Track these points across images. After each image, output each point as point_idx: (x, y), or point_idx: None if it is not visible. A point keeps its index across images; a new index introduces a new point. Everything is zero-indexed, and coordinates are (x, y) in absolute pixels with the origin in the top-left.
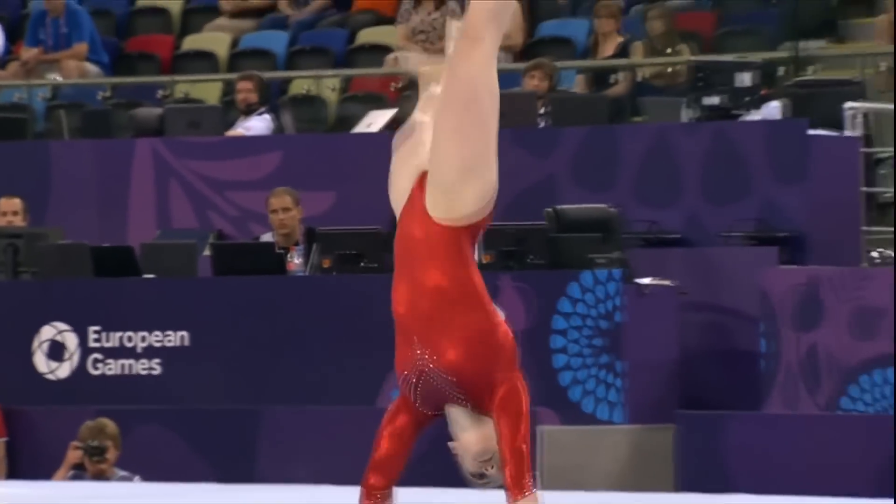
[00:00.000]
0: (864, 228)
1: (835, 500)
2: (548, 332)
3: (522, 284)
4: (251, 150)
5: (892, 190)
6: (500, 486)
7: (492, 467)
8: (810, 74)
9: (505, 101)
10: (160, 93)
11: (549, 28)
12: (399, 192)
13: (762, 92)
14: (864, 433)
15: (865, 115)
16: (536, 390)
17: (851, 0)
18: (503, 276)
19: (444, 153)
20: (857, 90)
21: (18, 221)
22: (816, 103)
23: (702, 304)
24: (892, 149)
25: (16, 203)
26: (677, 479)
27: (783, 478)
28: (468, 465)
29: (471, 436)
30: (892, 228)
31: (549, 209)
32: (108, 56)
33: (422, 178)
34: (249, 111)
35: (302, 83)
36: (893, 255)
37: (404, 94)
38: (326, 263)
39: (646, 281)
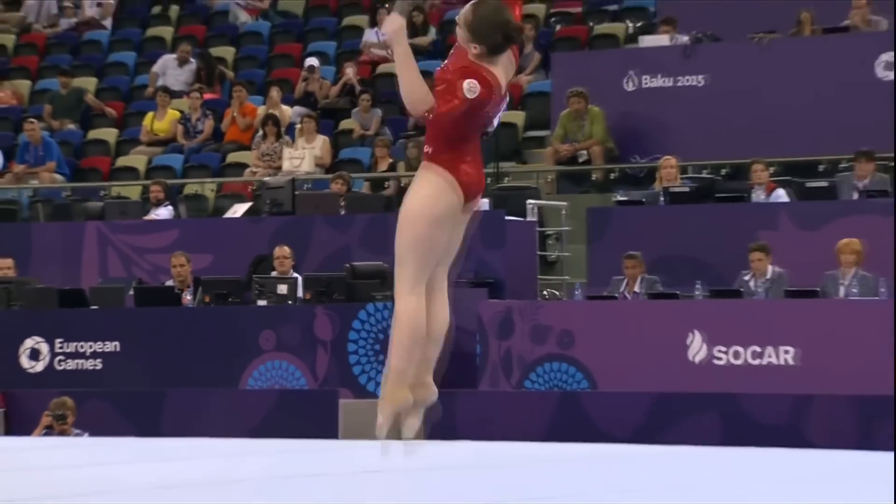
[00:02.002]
0: (539, 277)
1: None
2: (346, 341)
3: (331, 312)
4: (159, 229)
5: (556, 254)
6: None
7: None
8: (506, 183)
9: (319, 198)
10: (102, 193)
11: (346, 153)
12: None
13: None
14: (538, 402)
15: (539, 208)
16: (336, 378)
17: (529, 137)
18: (318, 307)
19: None
20: (533, 193)
21: (10, 274)
22: (510, 200)
23: None
24: (558, 229)
25: (9, 262)
26: (427, 430)
27: (493, 432)
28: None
29: None
30: (558, 278)
31: (347, 265)
32: (68, 169)
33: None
34: (158, 204)
35: (192, 187)
36: (559, 294)
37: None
38: (207, 299)
39: None
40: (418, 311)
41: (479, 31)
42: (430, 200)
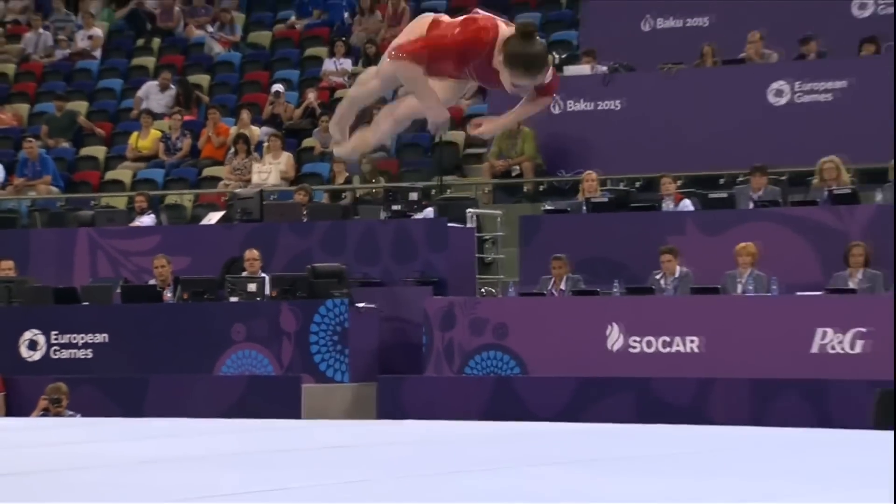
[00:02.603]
0: (477, 276)
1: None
2: (308, 333)
3: (294, 307)
4: (143, 234)
5: (493, 256)
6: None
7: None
8: (448, 194)
9: (284, 207)
10: (92, 203)
11: (308, 168)
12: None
13: (423, 203)
14: (477, 386)
15: (478, 216)
16: (299, 366)
17: (469, 154)
18: (283, 303)
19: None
20: (472, 203)
21: (11, 274)
22: (452, 209)
23: (392, 317)
24: (494, 234)
25: (10, 263)
26: (378, 411)
27: (438, 412)
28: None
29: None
30: (494, 277)
31: (309, 266)
32: (63, 182)
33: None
34: (142, 213)
35: (172, 197)
36: (495, 291)
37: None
38: (185, 296)
39: (360, 304)
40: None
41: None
42: None
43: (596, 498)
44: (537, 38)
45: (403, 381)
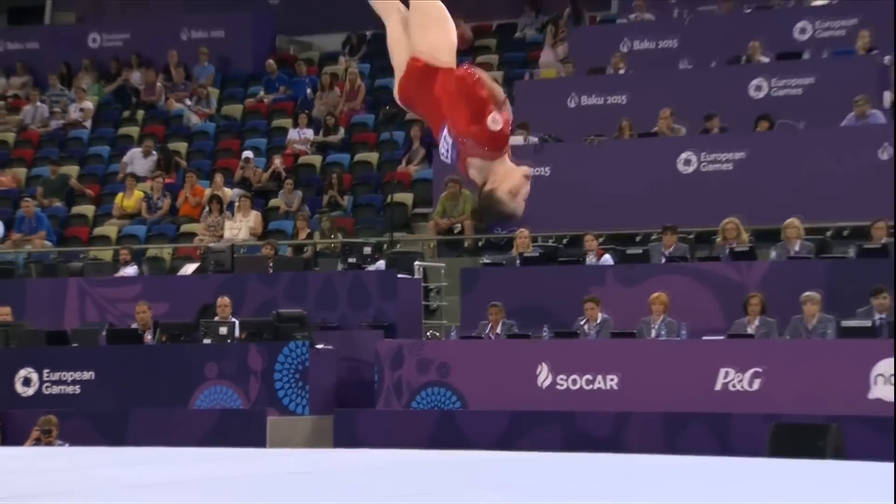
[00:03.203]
0: (423, 321)
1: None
2: (272, 371)
3: (261, 348)
4: (126, 283)
5: (437, 303)
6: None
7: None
8: (398, 248)
9: (252, 260)
10: (82, 256)
11: (274, 224)
12: (398, 62)
13: (375, 256)
14: (422, 419)
15: (424, 268)
16: (265, 400)
17: (417, 213)
18: (251, 345)
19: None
20: (419, 256)
21: (8, 319)
22: (400, 262)
23: (348, 357)
24: (438, 284)
25: (7, 309)
26: (335, 441)
27: (388, 441)
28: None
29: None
30: (438, 322)
31: (274, 312)
32: (55, 237)
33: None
34: (126, 265)
35: (153, 251)
36: (439, 334)
37: None
38: (164, 338)
39: (319, 346)
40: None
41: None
42: None
43: None
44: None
45: (357, 414)
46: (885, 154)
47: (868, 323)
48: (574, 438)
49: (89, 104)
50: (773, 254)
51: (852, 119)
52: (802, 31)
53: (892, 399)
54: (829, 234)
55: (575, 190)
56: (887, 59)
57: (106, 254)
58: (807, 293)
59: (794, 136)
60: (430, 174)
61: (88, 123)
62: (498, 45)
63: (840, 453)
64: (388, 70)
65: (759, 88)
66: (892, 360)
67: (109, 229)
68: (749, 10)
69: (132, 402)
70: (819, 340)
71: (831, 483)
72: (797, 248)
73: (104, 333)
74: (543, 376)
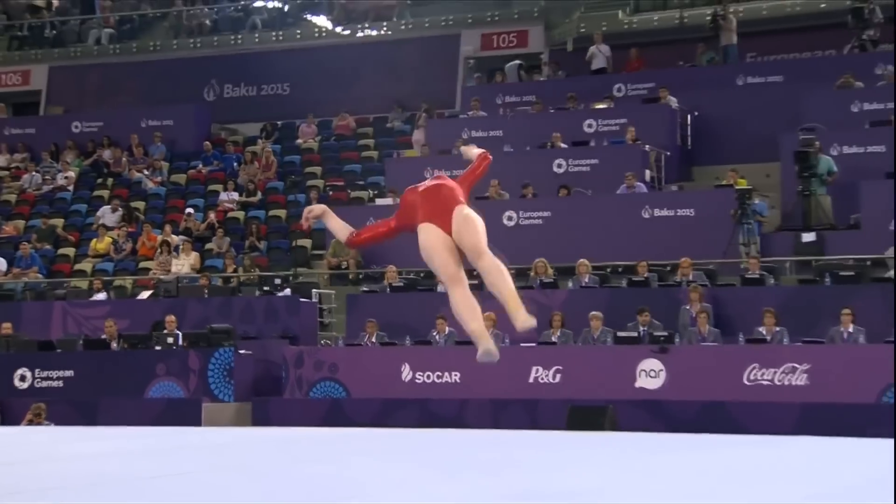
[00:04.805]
0: (319, 333)
1: (316, 428)
2: (206, 369)
3: (198, 353)
4: (98, 305)
5: (329, 320)
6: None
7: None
8: (300, 279)
9: (192, 288)
10: (65, 285)
11: (209, 262)
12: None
13: (283, 285)
14: (318, 405)
15: (319, 294)
16: (200, 391)
17: (314, 254)
18: (191, 350)
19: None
20: (316, 285)
21: (9, 331)
22: (302, 289)
23: (263, 359)
24: (330, 306)
25: (9, 324)
26: (253, 421)
27: (293, 422)
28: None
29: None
30: (329, 334)
31: (208, 326)
32: (45, 271)
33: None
34: (98, 291)
35: (118, 282)
36: (330, 343)
37: None
38: (126, 346)
39: (242, 351)
40: (459, 295)
41: None
42: (420, 240)
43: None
44: None
45: (270, 401)
46: (646, 214)
47: (635, 333)
48: (427, 418)
49: (72, 174)
50: (570, 284)
51: (623, 189)
52: (589, 125)
53: (652, 387)
54: (608, 270)
55: None
56: (647, 147)
57: (83, 283)
58: (593, 312)
59: (584, 200)
60: (324, 225)
61: (71, 188)
62: (374, 133)
63: (615, 427)
64: (294, 149)
65: (560, 166)
66: (652, 359)
67: (86, 265)
68: (552, 111)
69: (102, 393)
70: (602, 346)
71: (609, 447)
72: (586, 279)
73: (81, 342)
74: (406, 373)
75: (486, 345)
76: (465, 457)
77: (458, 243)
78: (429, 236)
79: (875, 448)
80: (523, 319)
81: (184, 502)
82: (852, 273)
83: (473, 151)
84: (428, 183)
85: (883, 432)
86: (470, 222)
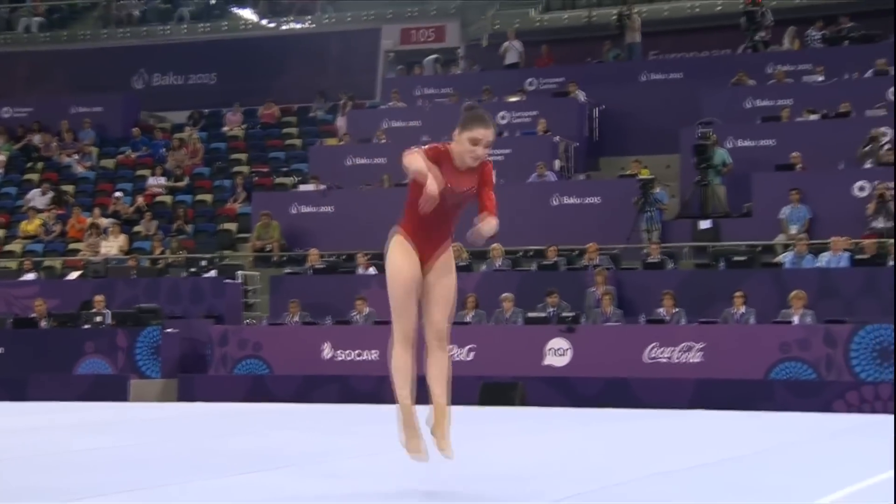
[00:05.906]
0: (243, 312)
1: (239, 404)
2: (134, 347)
3: (126, 331)
4: (28, 285)
5: (253, 300)
6: None
7: None
8: (226, 262)
9: (120, 269)
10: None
11: (136, 244)
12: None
13: (209, 267)
14: (242, 381)
15: (244, 275)
16: (128, 369)
17: (239, 237)
18: (119, 329)
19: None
20: (241, 267)
21: None
22: (228, 271)
23: (189, 338)
24: (254, 287)
25: None
26: (179, 397)
27: (218, 398)
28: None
29: None
30: (253, 313)
31: (136, 306)
32: None
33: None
34: (28, 272)
35: (49, 262)
36: (254, 321)
37: None
38: (55, 324)
39: (168, 330)
40: (401, 360)
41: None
42: (392, 262)
43: (315, 445)
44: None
45: (195, 378)
46: (555, 201)
47: (544, 314)
48: (348, 394)
49: (2, 157)
50: (483, 267)
51: (534, 178)
52: (503, 117)
53: (560, 365)
54: (520, 254)
55: (351, 222)
56: (556, 138)
57: (13, 264)
58: (505, 294)
59: (497, 188)
60: (249, 210)
61: (1, 171)
62: (297, 122)
63: (524, 402)
64: (220, 137)
65: None
66: (560, 338)
67: (16, 246)
68: (468, 102)
69: (32, 370)
70: (512, 326)
71: (518, 420)
72: (499, 263)
73: (11, 321)
74: (327, 351)
75: (414, 450)
76: (384, 431)
77: (424, 292)
78: (403, 269)
79: (763, 420)
80: (442, 447)
81: (114, 474)
82: (744, 258)
83: (491, 223)
84: (466, 167)
85: (770, 405)
86: (447, 289)
